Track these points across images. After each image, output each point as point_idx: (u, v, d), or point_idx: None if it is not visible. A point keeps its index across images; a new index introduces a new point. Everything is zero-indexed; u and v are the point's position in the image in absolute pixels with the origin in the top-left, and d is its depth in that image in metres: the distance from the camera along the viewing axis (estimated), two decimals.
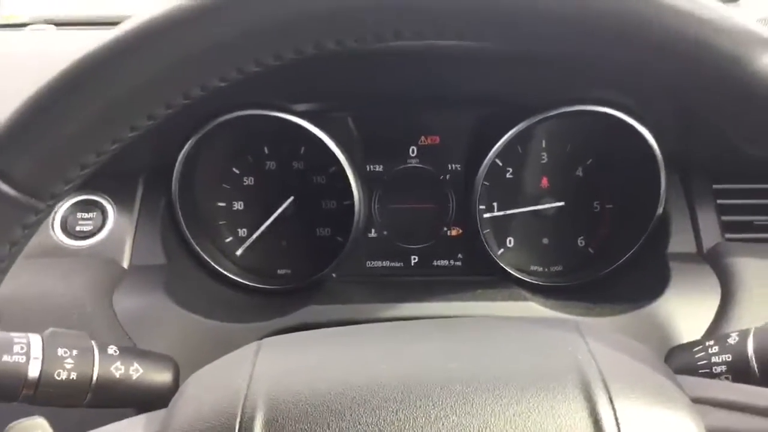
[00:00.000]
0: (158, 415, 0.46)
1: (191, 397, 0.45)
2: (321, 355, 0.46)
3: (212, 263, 0.89)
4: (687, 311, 0.74)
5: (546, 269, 0.94)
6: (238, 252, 0.93)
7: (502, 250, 0.95)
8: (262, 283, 0.91)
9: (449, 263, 0.96)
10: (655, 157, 0.84)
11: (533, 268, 0.94)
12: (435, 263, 0.96)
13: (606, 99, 0.83)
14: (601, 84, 0.83)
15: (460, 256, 0.96)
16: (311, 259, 0.93)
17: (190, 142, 0.85)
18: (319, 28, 0.38)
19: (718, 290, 0.75)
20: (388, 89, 0.88)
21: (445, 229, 0.96)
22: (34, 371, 0.53)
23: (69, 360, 0.54)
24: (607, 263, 0.90)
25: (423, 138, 0.95)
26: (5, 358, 0.53)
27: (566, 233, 0.94)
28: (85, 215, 0.82)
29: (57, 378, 0.54)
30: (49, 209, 0.41)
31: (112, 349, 0.57)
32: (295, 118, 0.85)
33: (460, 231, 0.96)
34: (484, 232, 0.92)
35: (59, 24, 1.33)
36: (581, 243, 0.94)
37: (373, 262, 0.97)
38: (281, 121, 0.85)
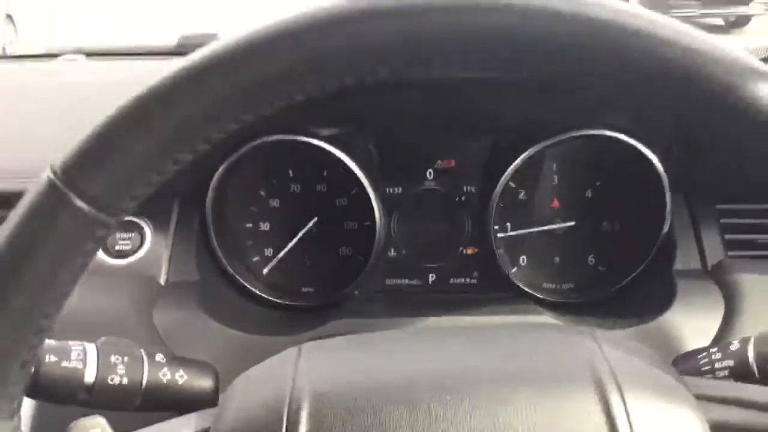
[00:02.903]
0: (209, 412, 0.51)
1: (240, 395, 0.49)
2: (358, 356, 0.51)
3: (241, 281, 0.94)
4: (692, 324, 0.78)
5: (558, 286, 0.98)
6: (265, 270, 0.98)
7: (515, 268, 0.99)
8: (287, 300, 0.96)
9: (465, 281, 1.01)
10: (661, 180, 0.89)
11: (546, 285, 0.98)
12: (452, 281, 1.01)
13: (615, 124, 0.88)
14: (610, 110, 0.88)
15: (475, 274, 1.01)
16: (334, 277, 0.97)
17: (222, 166, 0.90)
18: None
19: (722, 304, 0.79)
20: (406, 116, 0.93)
21: (461, 248, 1.01)
22: (90, 376, 0.58)
23: (121, 366, 0.59)
24: (616, 280, 0.94)
25: (439, 162, 1.00)
26: (64, 363, 0.58)
27: (577, 252, 0.98)
28: (125, 235, 0.88)
29: (110, 383, 0.58)
30: (117, 224, 0.46)
31: (159, 357, 0.62)
32: (320, 142, 0.90)
33: (476, 250, 1.00)
34: (498, 251, 0.97)
35: (89, 54, 1.41)
36: (591, 261, 0.98)
37: (392, 280, 1.01)
38: (306, 146, 0.91)
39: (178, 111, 0.43)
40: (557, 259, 0.99)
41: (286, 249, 0.98)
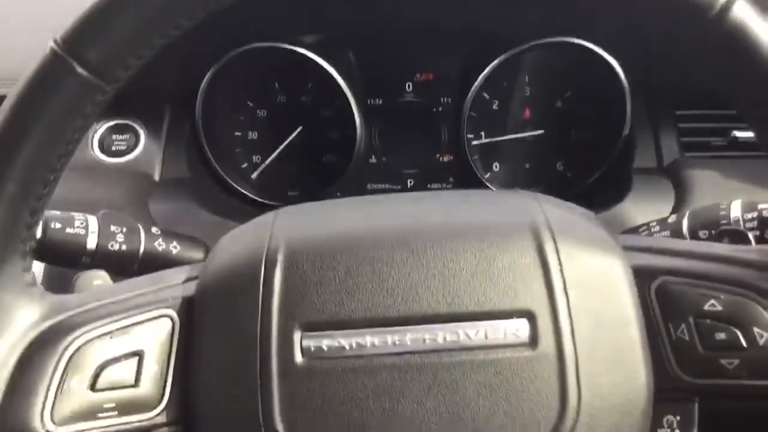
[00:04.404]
0: (198, 265, 0.58)
1: (224, 248, 0.56)
2: (328, 215, 0.57)
3: (231, 183, 1.01)
4: (644, 212, 0.85)
5: (529, 190, 1.05)
6: (253, 176, 1.05)
7: (489, 173, 1.06)
8: (274, 201, 1.03)
9: (442, 186, 1.08)
10: (623, 87, 0.95)
11: (517, 189, 1.05)
12: (429, 186, 1.08)
13: (579, 31, 0.94)
14: (576, 17, 0.93)
15: (451, 179, 1.07)
16: (318, 182, 1.04)
17: (209, 73, 0.96)
18: None
19: (673, 197, 0.86)
20: (384, 25, 0.98)
21: (438, 155, 1.07)
22: (92, 242, 0.65)
23: (120, 235, 0.66)
24: (582, 182, 1.01)
25: (418, 75, 1.06)
26: (68, 230, 0.65)
27: (546, 158, 1.05)
28: (120, 137, 0.94)
29: (110, 248, 0.66)
30: (112, 92, 0.51)
31: (154, 229, 0.69)
32: (304, 50, 0.96)
33: (452, 157, 1.07)
34: (473, 158, 1.03)
35: None
36: (560, 167, 1.05)
37: (373, 185, 1.08)
38: (291, 56, 0.96)
39: None
40: (528, 165, 1.05)
41: (272, 156, 1.04)
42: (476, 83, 0.98)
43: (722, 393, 0.50)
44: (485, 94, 1.02)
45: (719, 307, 0.50)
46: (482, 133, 1.05)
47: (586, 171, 1.01)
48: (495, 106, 1.04)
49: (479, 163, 1.05)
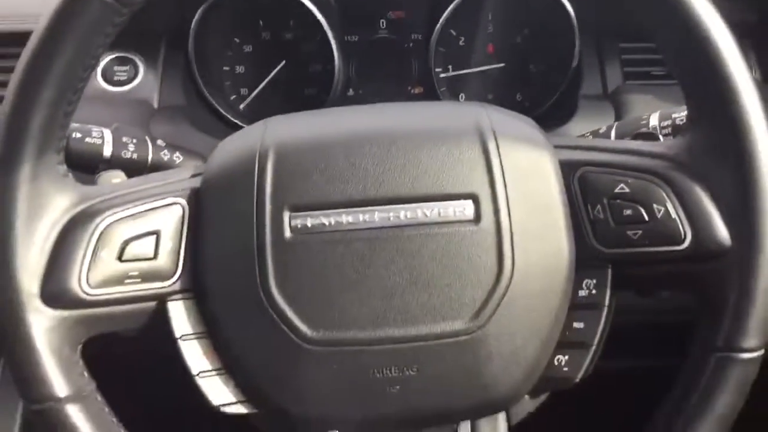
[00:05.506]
0: (202, 164, 0.69)
1: (223, 149, 0.67)
2: (311, 121, 0.68)
3: (223, 113, 1.11)
4: (586, 131, 0.97)
5: None
6: (241, 107, 1.15)
7: None
8: None
9: None
10: (572, 22, 1.06)
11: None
12: None
13: None
14: None
15: None
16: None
17: (200, 10, 1.05)
18: None
19: (613, 117, 0.98)
20: None
21: (410, 87, 1.18)
22: (107, 151, 0.76)
23: (131, 145, 0.77)
24: (537, 110, 1.12)
25: (390, 12, 1.15)
26: (87, 139, 0.75)
27: (507, 89, 1.16)
28: (121, 68, 1.04)
29: (124, 156, 0.76)
30: (127, 14, 0.61)
31: (160, 141, 0.80)
32: None
33: (422, 89, 1.17)
34: (441, 89, 1.14)
35: None
36: (519, 97, 1.16)
37: None
38: None
39: None
40: (490, 96, 1.16)
41: (258, 89, 1.14)
42: (442, 20, 1.08)
43: (629, 259, 0.63)
44: (452, 31, 1.12)
45: (627, 189, 0.62)
46: (449, 67, 1.15)
47: (542, 100, 1.13)
48: (461, 42, 1.14)
49: (447, 94, 1.15)
